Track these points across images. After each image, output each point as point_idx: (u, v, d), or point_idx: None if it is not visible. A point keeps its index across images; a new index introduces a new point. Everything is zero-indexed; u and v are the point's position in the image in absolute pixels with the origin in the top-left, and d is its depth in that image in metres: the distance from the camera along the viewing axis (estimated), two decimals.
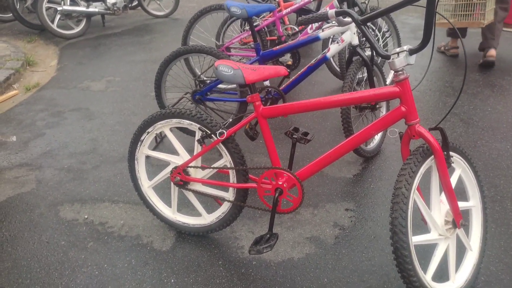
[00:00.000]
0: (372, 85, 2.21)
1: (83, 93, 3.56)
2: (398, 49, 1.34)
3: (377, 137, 2.45)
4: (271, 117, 1.58)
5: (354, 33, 2.22)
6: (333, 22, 1.55)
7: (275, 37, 3.45)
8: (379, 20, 3.10)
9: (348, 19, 1.49)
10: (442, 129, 1.34)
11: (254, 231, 1.88)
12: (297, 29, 3.51)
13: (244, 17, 2.31)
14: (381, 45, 3.19)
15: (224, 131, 1.57)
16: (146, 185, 1.87)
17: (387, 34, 3.23)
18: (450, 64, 3.76)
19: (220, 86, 2.49)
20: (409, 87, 1.34)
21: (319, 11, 3.17)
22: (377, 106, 2.33)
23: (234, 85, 2.52)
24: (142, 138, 1.75)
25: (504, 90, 3.12)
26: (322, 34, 2.28)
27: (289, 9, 3.12)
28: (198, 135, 1.66)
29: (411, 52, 1.30)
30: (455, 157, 1.44)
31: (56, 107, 3.31)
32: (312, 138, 1.58)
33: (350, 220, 1.92)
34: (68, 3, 5.08)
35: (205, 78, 2.49)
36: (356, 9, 2.50)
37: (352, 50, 2.24)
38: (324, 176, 2.25)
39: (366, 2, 2.53)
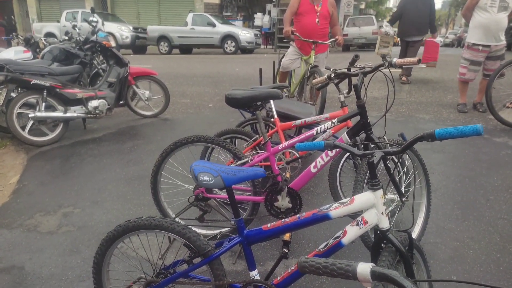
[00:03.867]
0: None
1: (26, 237, 2.78)
2: None
3: None
4: None
5: (383, 213, 1.49)
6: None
7: (268, 163, 2.77)
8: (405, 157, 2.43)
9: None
10: None
11: None
12: (297, 155, 2.83)
13: (220, 188, 1.59)
14: (404, 183, 2.48)
15: None
16: None
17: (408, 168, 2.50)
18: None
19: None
20: None
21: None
22: None
23: (205, 268, 1.73)
24: None
25: None
26: (333, 213, 1.53)
27: (286, 144, 2.44)
28: None
29: None
30: None
31: None
32: None
33: None
34: (43, 108, 4.55)
35: (165, 265, 1.71)
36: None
37: (381, 235, 1.49)
38: None
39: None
